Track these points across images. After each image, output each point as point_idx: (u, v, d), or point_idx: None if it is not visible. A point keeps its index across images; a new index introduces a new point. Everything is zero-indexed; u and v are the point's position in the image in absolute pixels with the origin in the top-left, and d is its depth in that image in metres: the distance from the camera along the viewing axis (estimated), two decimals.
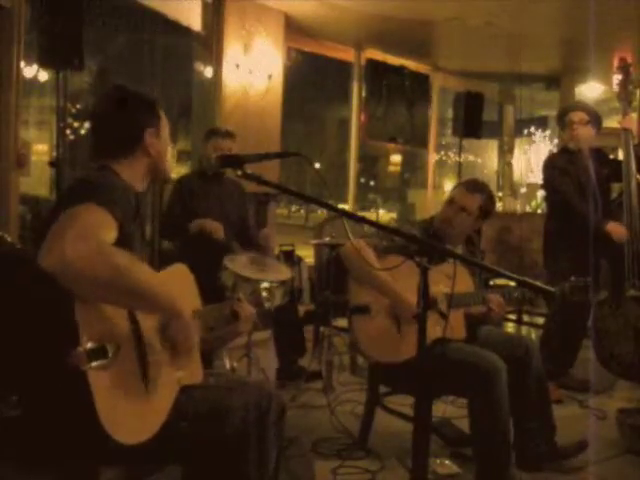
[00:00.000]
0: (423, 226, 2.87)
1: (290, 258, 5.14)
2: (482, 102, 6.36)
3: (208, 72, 5.68)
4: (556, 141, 9.49)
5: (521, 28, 6.05)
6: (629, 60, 3.78)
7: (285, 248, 5.35)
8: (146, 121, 1.81)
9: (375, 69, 7.03)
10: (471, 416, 2.54)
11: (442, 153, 10.62)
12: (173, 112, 9.30)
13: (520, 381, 2.64)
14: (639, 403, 3.55)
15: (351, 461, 2.75)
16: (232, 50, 5.54)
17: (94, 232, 1.44)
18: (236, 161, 1.70)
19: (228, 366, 3.54)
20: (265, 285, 2.25)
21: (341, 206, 2.59)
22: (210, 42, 5.55)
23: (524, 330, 5.64)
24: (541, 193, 8.10)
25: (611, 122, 4.69)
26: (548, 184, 3.90)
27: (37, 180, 5.47)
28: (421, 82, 7.56)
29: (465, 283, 2.71)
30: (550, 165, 3.89)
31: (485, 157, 11.29)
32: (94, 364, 1.40)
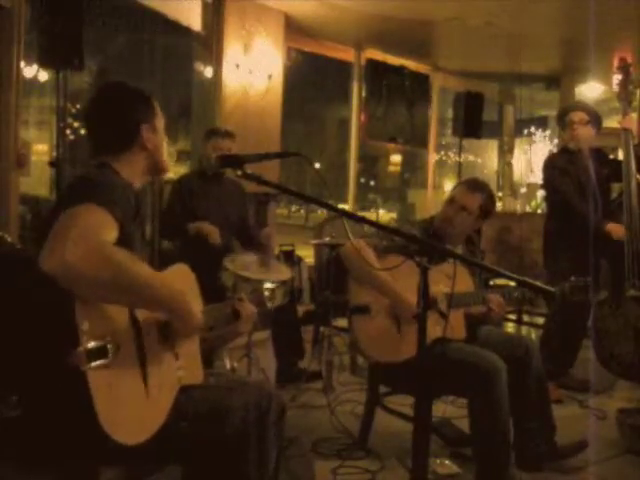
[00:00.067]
0: (423, 226, 2.87)
1: (290, 258, 5.15)
2: (482, 102, 6.36)
3: (208, 72, 5.68)
4: (556, 141, 9.49)
5: (521, 28, 6.05)
6: (629, 60, 3.78)
7: (285, 248, 5.36)
8: (142, 115, 1.81)
9: (375, 69, 7.03)
10: (471, 416, 2.54)
11: (442, 153, 10.62)
12: (173, 112, 9.30)
13: (520, 381, 2.64)
14: (639, 403, 3.55)
15: (351, 461, 2.75)
16: (232, 50, 5.54)
17: (95, 233, 1.43)
18: (236, 161, 1.71)
19: (228, 366, 3.54)
20: (267, 285, 2.25)
21: (341, 206, 2.59)
22: (210, 42, 5.55)
23: (524, 330, 5.64)
24: (541, 193, 8.09)
25: (611, 122, 4.69)
26: (548, 184, 3.90)
27: (37, 180, 5.46)
28: (421, 82, 7.57)
29: (465, 283, 2.71)
30: (550, 165, 3.90)
31: (485, 157, 11.29)
32: (94, 364, 1.40)
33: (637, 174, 3.60)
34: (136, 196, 1.71)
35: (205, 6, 5.51)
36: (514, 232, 5.84)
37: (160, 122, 1.87)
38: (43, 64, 3.86)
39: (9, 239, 2.39)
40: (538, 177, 8.43)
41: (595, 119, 3.80)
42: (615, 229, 3.56)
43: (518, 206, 9.01)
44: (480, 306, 2.67)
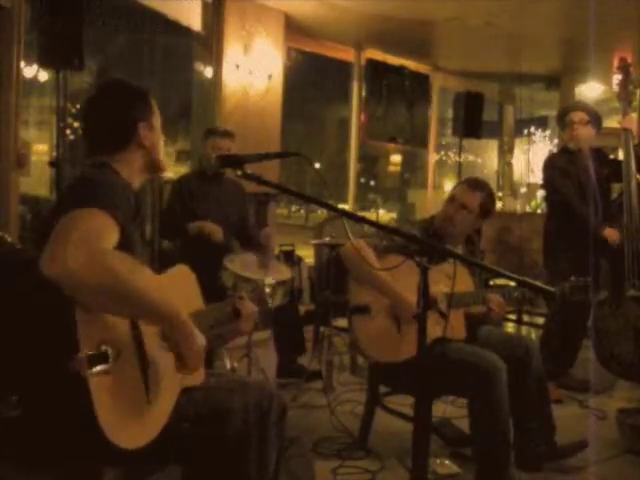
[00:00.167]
0: (423, 225, 2.87)
1: (290, 258, 5.15)
2: (482, 102, 6.36)
3: (208, 72, 5.68)
4: (556, 141, 9.49)
5: (521, 28, 6.05)
6: (629, 60, 3.78)
7: (285, 248, 5.36)
8: (139, 113, 1.80)
9: (375, 69, 7.03)
10: (471, 416, 2.54)
11: (442, 153, 10.62)
12: (173, 112, 9.30)
13: (520, 381, 2.64)
14: (639, 403, 3.55)
15: (351, 461, 2.75)
16: (232, 50, 5.54)
17: (96, 238, 1.43)
18: (236, 161, 1.70)
19: (228, 366, 3.54)
20: (267, 284, 2.24)
21: (341, 206, 2.59)
22: (210, 42, 5.55)
23: (524, 330, 5.64)
24: (541, 193, 8.09)
25: (611, 122, 4.69)
26: (548, 184, 3.90)
27: (37, 180, 5.46)
28: (421, 82, 7.56)
29: (465, 283, 2.71)
30: (550, 165, 3.89)
31: (485, 157, 11.29)
32: (95, 370, 1.39)
33: (637, 174, 3.60)
34: (136, 196, 1.71)
35: (205, 6, 5.51)
36: (514, 232, 5.84)
37: (157, 120, 1.85)
38: (43, 64, 3.86)
39: (9, 239, 2.39)
40: (538, 177, 8.43)
41: (595, 119, 3.80)
42: (611, 235, 3.56)
43: (518, 206, 9.01)
44: (480, 306, 2.67)
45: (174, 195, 3.78)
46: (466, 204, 2.77)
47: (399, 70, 7.26)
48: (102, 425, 1.38)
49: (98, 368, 1.40)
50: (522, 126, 10.78)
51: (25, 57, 4.15)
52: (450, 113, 7.30)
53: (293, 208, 21.11)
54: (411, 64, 7.38)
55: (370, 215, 15.85)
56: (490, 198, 2.83)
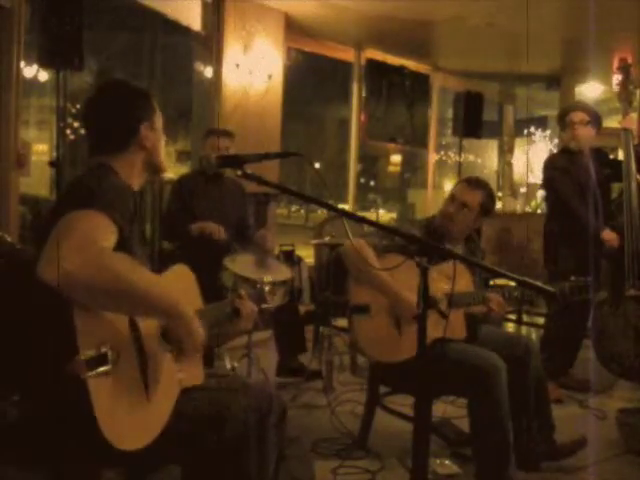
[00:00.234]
0: (424, 224, 2.87)
1: (290, 258, 5.14)
2: (482, 102, 6.36)
3: (208, 72, 5.68)
4: (556, 141, 9.49)
5: (521, 28, 6.05)
6: (629, 60, 3.78)
7: (285, 248, 5.35)
8: (142, 113, 1.79)
9: (375, 69, 7.03)
10: (471, 416, 2.54)
11: (442, 153, 10.63)
12: (173, 112, 9.31)
13: (520, 381, 2.64)
14: (639, 403, 3.55)
15: (351, 461, 2.75)
16: (232, 50, 5.54)
17: (94, 240, 1.42)
18: (236, 161, 1.70)
19: (229, 366, 3.54)
20: (268, 279, 2.24)
21: (341, 206, 2.59)
22: (210, 42, 5.55)
23: (524, 330, 5.64)
24: (541, 193, 8.10)
25: (611, 122, 4.69)
26: (548, 184, 3.90)
27: (37, 180, 5.47)
28: (421, 82, 7.56)
29: (465, 282, 2.71)
30: (551, 165, 3.89)
31: (485, 157, 11.31)
32: (94, 372, 1.39)
33: (637, 174, 3.60)
34: (135, 197, 1.70)
35: (205, 6, 5.51)
36: (514, 232, 5.84)
37: (159, 120, 1.85)
38: (43, 64, 3.86)
39: (9, 239, 2.39)
40: (538, 177, 8.43)
41: (595, 119, 3.80)
42: (610, 238, 3.56)
43: (518, 206, 9.03)
44: (480, 306, 2.68)
45: (174, 195, 3.79)
46: (466, 203, 2.78)
47: (399, 70, 7.26)
48: (101, 427, 1.38)
49: (97, 370, 1.40)
50: (522, 126, 10.79)
51: (25, 57, 4.15)
52: (450, 113, 7.31)
53: (293, 208, 21.14)
54: (411, 64, 7.38)
55: (370, 215, 15.86)
56: (490, 197, 2.83)
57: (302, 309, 4.33)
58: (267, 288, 2.14)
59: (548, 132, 11.28)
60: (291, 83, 6.58)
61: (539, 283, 1.71)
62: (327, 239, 3.86)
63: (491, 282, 4.11)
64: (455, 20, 5.85)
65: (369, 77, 7.03)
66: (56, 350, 1.41)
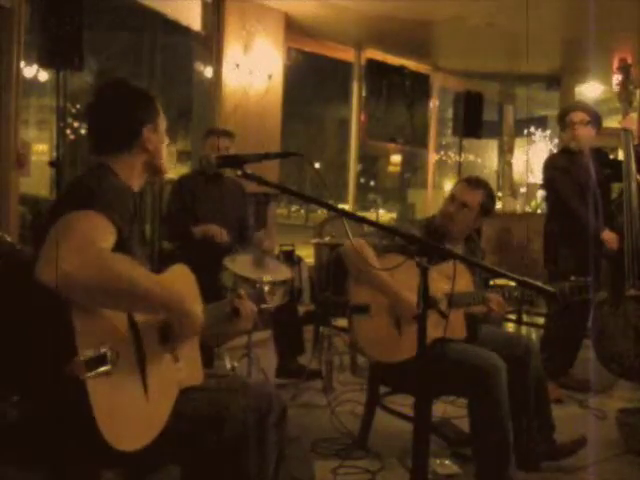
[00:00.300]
0: (424, 224, 2.87)
1: (290, 258, 5.14)
2: (482, 102, 6.37)
3: (208, 72, 5.68)
4: (556, 141, 9.49)
5: (521, 28, 6.05)
6: (629, 60, 3.78)
7: (285, 248, 5.35)
8: (145, 116, 1.79)
9: (375, 69, 7.03)
10: (471, 416, 2.54)
11: (442, 153, 10.63)
12: (173, 112, 9.31)
13: (520, 381, 2.64)
14: (639, 403, 3.55)
15: (351, 461, 2.75)
16: (232, 50, 5.54)
17: (93, 240, 1.43)
18: (236, 161, 1.70)
19: (228, 366, 3.54)
20: (267, 279, 2.24)
21: (341, 206, 2.59)
22: (210, 42, 5.54)
23: (524, 330, 5.64)
24: (541, 193, 8.10)
25: (611, 122, 4.69)
26: (549, 184, 3.90)
27: (37, 180, 5.46)
28: (421, 82, 7.56)
29: (465, 282, 2.71)
30: (551, 165, 3.89)
31: (485, 157, 11.31)
32: (93, 373, 1.38)
33: (637, 174, 3.60)
34: (134, 198, 1.70)
35: (205, 6, 5.51)
36: (514, 232, 5.84)
37: (162, 123, 1.85)
38: (43, 64, 3.86)
39: (9, 239, 2.39)
40: (538, 177, 8.43)
41: (595, 119, 3.80)
42: (610, 239, 3.56)
43: (518, 206, 9.02)
44: (480, 306, 2.68)
45: (174, 195, 3.79)
46: (466, 202, 2.78)
47: (399, 70, 7.26)
48: (101, 427, 1.38)
49: (96, 371, 1.39)
50: (522, 126, 10.79)
51: (25, 57, 4.14)
52: (450, 113, 7.30)
53: (293, 208, 21.15)
54: (411, 64, 7.37)
55: (370, 215, 15.84)
56: (490, 196, 2.84)
57: (302, 309, 4.33)
58: (267, 288, 2.13)
59: (548, 132, 11.29)
60: (291, 83, 6.58)
61: (539, 283, 1.71)
62: (327, 239, 3.87)
63: (491, 282, 4.11)
64: (455, 20, 5.85)
65: (369, 77, 7.03)
66: (55, 351, 1.41)
